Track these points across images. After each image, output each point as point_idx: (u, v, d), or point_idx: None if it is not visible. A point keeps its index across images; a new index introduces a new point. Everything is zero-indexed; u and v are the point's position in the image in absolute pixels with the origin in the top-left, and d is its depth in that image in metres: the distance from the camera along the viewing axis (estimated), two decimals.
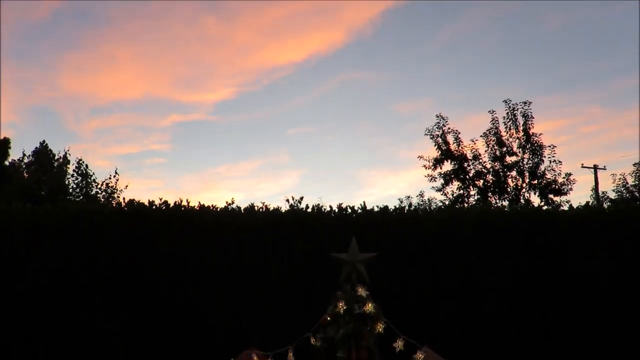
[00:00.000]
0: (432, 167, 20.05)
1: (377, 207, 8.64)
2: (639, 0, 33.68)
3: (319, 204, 8.60)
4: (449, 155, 19.78)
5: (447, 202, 19.48)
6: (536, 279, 8.16)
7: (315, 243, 8.01)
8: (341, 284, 4.85)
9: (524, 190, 19.31)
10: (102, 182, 25.73)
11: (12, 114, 39.11)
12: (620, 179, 26.57)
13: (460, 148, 19.79)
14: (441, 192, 20.12)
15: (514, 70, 41.10)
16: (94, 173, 25.98)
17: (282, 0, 36.91)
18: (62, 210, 8.22)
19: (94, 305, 7.68)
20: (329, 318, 4.70)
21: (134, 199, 8.37)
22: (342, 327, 4.57)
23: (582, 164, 31.70)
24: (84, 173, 25.66)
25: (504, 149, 19.40)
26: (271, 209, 8.50)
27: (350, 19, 37.48)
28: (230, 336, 7.57)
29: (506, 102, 19.43)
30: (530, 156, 19.30)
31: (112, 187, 25.72)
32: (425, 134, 20.08)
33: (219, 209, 8.40)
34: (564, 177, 19.20)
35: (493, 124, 19.60)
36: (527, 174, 19.24)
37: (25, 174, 25.03)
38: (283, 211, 8.53)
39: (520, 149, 19.40)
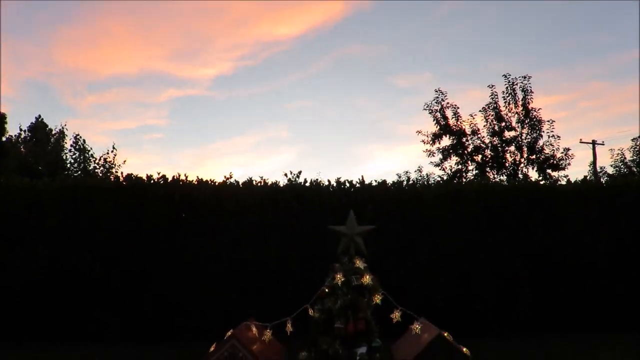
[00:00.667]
0: (431, 142, 20.06)
1: (376, 181, 8.69)
2: None
3: (317, 179, 8.63)
4: (448, 130, 19.74)
5: (445, 178, 19.52)
6: (533, 252, 8.25)
7: (313, 217, 8.06)
8: (339, 256, 4.88)
9: (522, 165, 19.34)
10: (100, 158, 25.66)
11: (8, 88, 38.73)
12: (618, 154, 26.59)
13: (458, 123, 19.76)
14: (439, 167, 20.19)
15: (513, 45, 40.75)
16: (91, 148, 25.91)
17: None
18: (60, 184, 8.22)
19: (95, 274, 7.75)
20: (327, 290, 4.74)
21: (132, 174, 8.36)
22: (340, 298, 4.61)
23: (581, 139, 31.66)
24: (81, 148, 25.56)
25: (503, 124, 19.36)
26: (269, 183, 8.51)
27: None
28: (227, 309, 7.67)
29: (506, 76, 19.36)
30: (529, 131, 19.27)
31: (110, 162, 25.66)
32: (424, 109, 20.06)
33: (217, 184, 8.41)
34: (562, 152, 19.25)
35: (492, 98, 19.54)
36: (525, 149, 19.24)
37: (22, 149, 24.93)
38: (281, 185, 8.54)
39: (519, 124, 19.36)
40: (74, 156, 25.47)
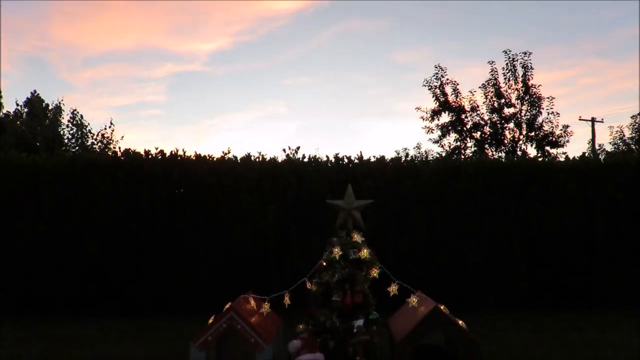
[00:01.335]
0: (430, 119, 19.98)
1: (374, 157, 8.67)
2: None
3: (315, 155, 8.61)
4: (447, 107, 19.65)
5: (443, 154, 19.51)
6: (531, 229, 8.29)
7: (311, 192, 8.07)
8: (337, 230, 4.90)
9: (520, 142, 19.31)
10: (98, 133, 25.58)
11: (3, 63, 38.31)
12: (617, 131, 26.56)
13: (458, 99, 19.65)
14: (438, 144, 20.16)
15: (514, 21, 40.26)
16: (89, 124, 25.80)
17: None
18: (58, 158, 8.20)
19: (93, 249, 7.80)
20: (324, 263, 4.78)
21: (129, 149, 8.35)
22: (338, 272, 4.64)
23: (580, 117, 31.58)
24: (78, 123, 25.45)
25: (502, 100, 19.26)
26: (267, 159, 8.50)
27: None
28: (227, 281, 7.74)
29: (506, 52, 19.19)
30: (529, 108, 19.18)
31: (107, 137, 25.59)
32: (424, 85, 19.92)
33: (215, 159, 8.39)
34: (561, 130, 19.20)
35: (492, 74, 19.40)
36: (524, 125, 19.18)
37: (18, 123, 24.78)
38: (280, 161, 8.53)
39: (519, 101, 19.26)
40: (71, 132, 25.37)
